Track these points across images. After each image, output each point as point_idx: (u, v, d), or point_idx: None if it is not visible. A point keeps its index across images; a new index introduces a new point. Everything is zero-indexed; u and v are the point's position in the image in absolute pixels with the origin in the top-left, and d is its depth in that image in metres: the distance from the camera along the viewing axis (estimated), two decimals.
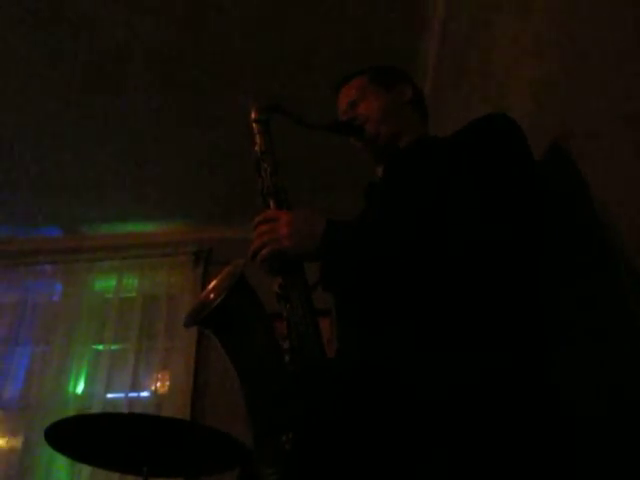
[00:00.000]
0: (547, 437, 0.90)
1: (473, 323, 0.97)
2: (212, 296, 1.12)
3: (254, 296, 1.10)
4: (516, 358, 0.95)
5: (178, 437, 1.85)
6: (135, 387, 3.39)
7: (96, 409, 3.25)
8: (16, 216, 3.55)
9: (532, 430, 0.90)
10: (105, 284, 3.71)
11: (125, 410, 3.23)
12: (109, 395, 3.39)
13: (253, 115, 1.34)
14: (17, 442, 3.23)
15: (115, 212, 3.68)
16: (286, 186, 1.25)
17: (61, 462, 2.92)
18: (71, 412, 3.22)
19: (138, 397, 3.39)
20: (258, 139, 1.31)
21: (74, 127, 3.05)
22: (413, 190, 1.15)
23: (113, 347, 3.52)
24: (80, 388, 3.39)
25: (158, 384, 3.41)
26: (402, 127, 1.40)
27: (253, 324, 1.09)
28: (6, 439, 3.29)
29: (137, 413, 2.26)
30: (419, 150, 1.32)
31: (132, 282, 3.70)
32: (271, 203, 1.21)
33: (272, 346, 1.06)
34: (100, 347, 3.52)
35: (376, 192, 1.36)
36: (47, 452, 1.86)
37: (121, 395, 3.37)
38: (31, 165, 3.27)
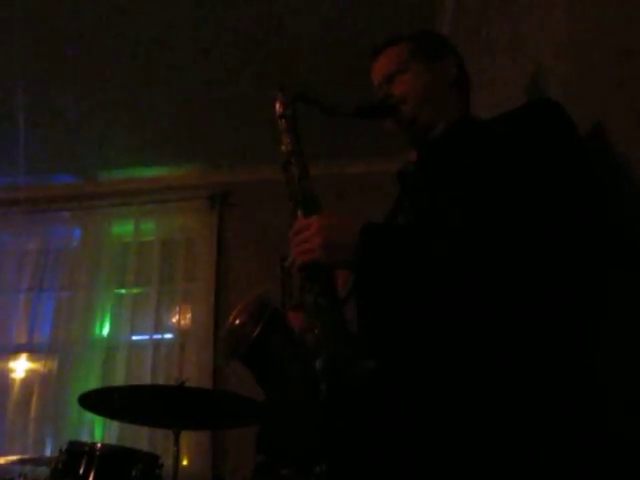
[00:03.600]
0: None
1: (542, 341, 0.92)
2: (238, 322, 1.11)
3: (285, 325, 1.09)
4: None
5: (203, 402, 1.96)
6: (158, 329, 3.51)
7: (122, 351, 3.40)
8: (33, 164, 3.54)
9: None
10: (123, 229, 3.75)
11: (150, 351, 3.38)
12: (134, 337, 3.51)
13: (278, 109, 1.24)
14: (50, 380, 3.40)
15: (130, 157, 3.66)
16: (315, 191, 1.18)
17: None
18: (99, 354, 3.39)
19: (162, 338, 3.51)
20: (284, 138, 1.21)
21: (87, 74, 2.99)
22: (451, 187, 1.06)
23: (135, 290, 3.61)
24: (105, 331, 3.51)
25: (181, 324, 3.52)
26: (442, 110, 1.25)
27: (286, 355, 1.07)
28: (38, 381, 3.46)
29: (163, 385, 2.37)
30: (456, 139, 1.20)
31: (149, 226, 3.73)
32: (299, 212, 1.14)
33: (305, 377, 1.04)
34: (122, 291, 3.63)
35: (410, 182, 1.27)
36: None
37: (145, 337, 3.48)
38: (46, 113, 3.23)
